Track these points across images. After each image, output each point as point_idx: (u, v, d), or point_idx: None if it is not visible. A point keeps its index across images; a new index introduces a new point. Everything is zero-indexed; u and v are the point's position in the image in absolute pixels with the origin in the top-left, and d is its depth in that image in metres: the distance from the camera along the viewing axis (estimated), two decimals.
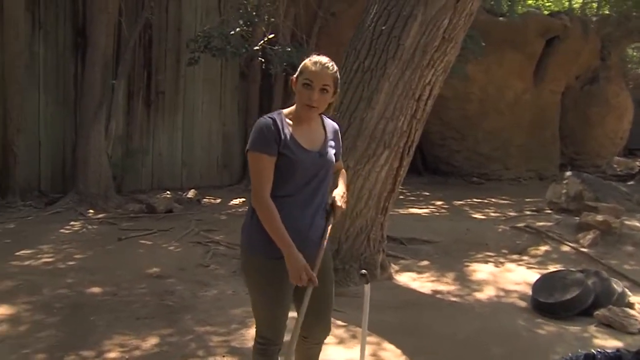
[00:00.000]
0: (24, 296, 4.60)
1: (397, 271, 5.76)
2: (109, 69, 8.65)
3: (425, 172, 12.68)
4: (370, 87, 4.90)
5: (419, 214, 8.71)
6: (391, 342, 3.98)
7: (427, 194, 10.69)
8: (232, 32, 8.09)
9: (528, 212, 8.33)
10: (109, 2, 8.33)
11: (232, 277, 5.24)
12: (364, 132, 4.93)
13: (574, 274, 4.95)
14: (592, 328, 4.38)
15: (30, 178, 8.57)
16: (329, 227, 2.55)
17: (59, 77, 8.77)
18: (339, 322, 4.20)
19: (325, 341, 2.89)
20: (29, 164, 8.50)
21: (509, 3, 12.24)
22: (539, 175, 12.82)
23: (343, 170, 2.87)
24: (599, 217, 6.63)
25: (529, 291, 5.08)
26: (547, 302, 4.69)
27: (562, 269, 5.48)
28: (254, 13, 8.45)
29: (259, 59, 8.66)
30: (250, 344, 2.75)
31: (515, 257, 6.35)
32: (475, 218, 8.41)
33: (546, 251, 6.40)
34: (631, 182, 11.87)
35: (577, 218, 7.05)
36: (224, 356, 3.67)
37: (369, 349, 3.72)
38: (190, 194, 8.99)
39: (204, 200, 9.04)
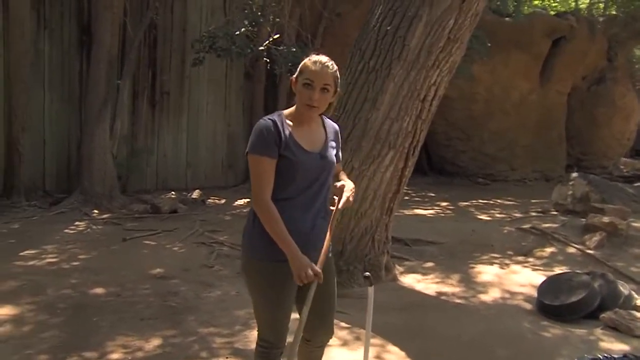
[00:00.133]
0: (28, 296, 4.60)
1: (401, 272, 5.74)
2: (113, 67, 8.65)
3: (430, 172, 12.65)
4: (375, 87, 4.87)
5: (424, 214, 8.68)
6: (395, 344, 3.96)
7: (433, 194, 10.66)
8: (237, 33, 8.08)
9: (534, 214, 8.29)
10: (114, 0, 8.33)
11: (235, 278, 5.22)
12: (368, 133, 4.90)
13: (580, 276, 4.92)
14: (598, 331, 4.34)
15: (35, 177, 8.58)
16: (334, 221, 2.52)
17: (64, 75, 8.78)
18: (343, 324, 4.19)
19: (329, 343, 2.86)
20: (34, 163, 8.52)
21: (515, 3, 12.20)
22: (545, 176, 12.77)
23: (342, 171, 2.83)
24: (605, 219, 6.58)
25: (535, 293, 5.04)
26: (552, 304, 4.66)
27: (568, 271, 5.44)
28: (259, 13, 8.44)
29: (264, 59, 8.65)
30: (254, 345, 2.73)
31: (520, 258, 6.31)
32: (481, 219, 8.37)
33: (552, 253, 6.36)
34: (638, 184, 11.77)
35: (583, 219, 7.01)
36: (227, 358, 3.66)
37: (372, 351, 3.70)
38: (195, 194, 8.98)
39: (209, 200, 9.03)
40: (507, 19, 11.81)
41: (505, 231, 7.28)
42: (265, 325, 2.61)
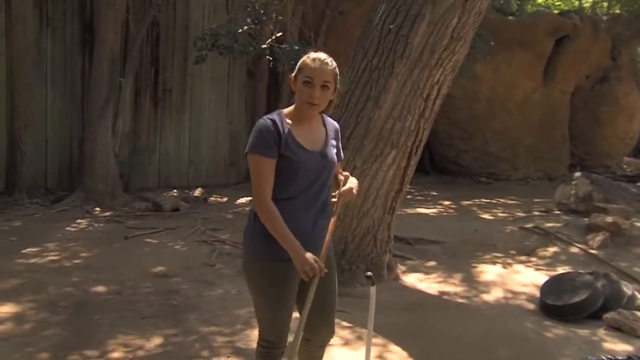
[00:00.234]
0: (29, 294, 4.59)
1: (404, 272, 5.72)
2: (116, 65, 8.64)
3: (432, 171, 12.61)
4: (378, 86, 4.85)
5: (427, 213, 8.65)
6: (397, 344, 3.94)
7: (435, 193, 10.64)
8: (240, 30, 8.06)
9: (537, 213, 8.26)
10: None
11: (237, 277, 5.21)
12: (371, 132, 4.89)
13: (583, 276, 4.89)
14: (602, 331, 4.32)
15: (37, 175, 8.57)
16: (337, 212, 2.50)
17: (66, 73, 8.77)
18: (344, 324, 4.17)
19: (330, 342, 2.86)
20: (36, 161, 8.50)
21: (519, 2, 12.15)
22: (548, 175, 12.73)
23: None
24: (609, 219, 6.56)
25: (537, 293, 5.03)
26: (555, 304, 4.64)
27: (571, 270, 5.42)
28: (262, 11, 8.40)
29: (267, 57, 8.63)
30: (255, 345, 2.72)
31: (523, 258, 6.29)
32: (484, 218, 8.35)
33: (555, 252, 6.34)
34: None
35: (586, 219, 6.99)
36: (228, 357, 3.65)
37: (374, 351, 3.68)
38: (197, 192, 8.97)
39: (211, 198, 9.02)
40: (510, 17, 11.77)
41: (508, 230, 7.26)
42: (266, 325, 2.60)
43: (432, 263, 6.07)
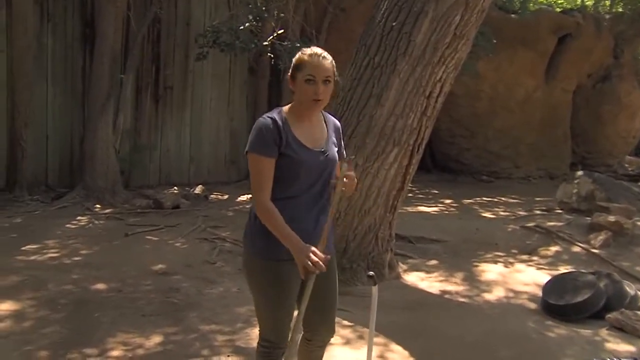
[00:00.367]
0: (29, 292, 4.57)
1: (405, 270, 5.70)
2: (117, 62, 8.62)
3: (434, 169, 12.59)
4: (380, 83, 4.82)
5: (428, 212, 8.63)
6: (398, 343, 3.92)
7: (436, 191, 10.61)
8: (241, 27, 8.04)
9: (538, 212, 8.23)
10: None
11: (237, 275, 5.19)
12: (373, 130, 4.86)
13: (586, 275, 4.87)
14: (604, 332, 4.30)
15: (38, 172, 8.56)
16: (335, 205, 2.45)
17: (67, 70, 8.75)
18: (345, 322, 4.15)
19: (331, 342, 2.84)
20: (37, 158, 8.49)
21: (521, 0, 12.11)
22: (549, 174, 12.71)
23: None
24: (611, 218, 6.53)
25: (539, 292, 5.00)
26: (557, 304, 4.61)
27: (573, 270, 5.40)
28: (264, 8, 8.38)
29: (268, 54, 8.60)
30: (255, 343, 2.70)
31: (525, 257, 6.26)
32: (485, 217, 8.33)
33: (556, 252, 6.32)
34: None
35: (588, 218, 6.96)
36: (228, 356, 3.62)
37: (376, 350, 3.66)
38: (198, 189, 8.95)
39: (211, 196, 9.00)
40: (513, 15, 11.73)
41: (510, 229, 7.23)
42: (266, 324, 2.58)
43: (433, 262, 6.05)
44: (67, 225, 6.81)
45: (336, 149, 2.58)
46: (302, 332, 2.71)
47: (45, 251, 5.75)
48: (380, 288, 2.90)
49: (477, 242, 6.76)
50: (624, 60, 13.52)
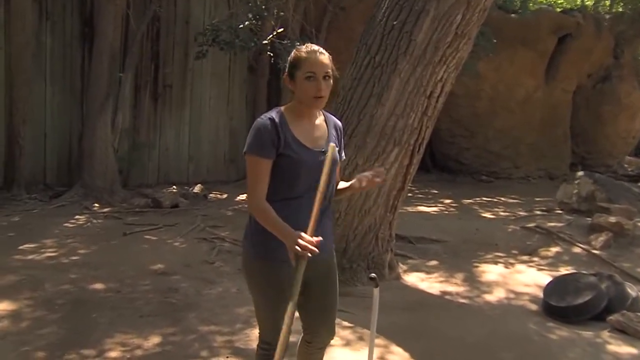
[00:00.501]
0: (26, 291, 4.53)
1: (405, 271, 5.67)
2: (116, 60, 8.58)
3: (433, 169, 12.56)
4: (381, 83, 4.79)
5: (428, 212, 8.60)
6: (399, 344, 3.90)
7: (436, 191, 10.58)
8: (241, 26, 8.00)
9: (538, 212, 8.21)
10: None
11: (236, 275, 5.15)
12: (373, 129, 4.82)
13: (587, 277, 4.84)
14: (606, 333, 4.27)
15: (36, 170, 8.52)
16: (319, 193, 2.33)
17: (65, 68, 8.71)
18: (345, 324, 4.12)
19: (331, 343, 2.81)
20: (35, 156, 8.45)
21: (522, 0, 12.08)
22: (549, 174, 12.68)
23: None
24: (612, 219, 6.51)
25: (540, 293, 4.98)
26: (559, 305, 4.59)
27: (574, 271, 5.37)
28: (263, 7, 8.34)
29: (268, 53, 8.57)
30: (254, 345, 2.67)
31: (525, 258, 6.24)
32: (485, 217, 8.30)
33: (557, 252, 6.29)
34: None
35: (588, 219, 6.94)
36: (227, 357, 3.59)
37: (376, 352, 3.63)
38: (197, 189, 8.91)
39: (210, 195, 8.96)
40: (513, 15, 11.70)
41: (510, 230, 7.21)
42: (266, 326, 2.54)
43: (433, 262, 6.02)
44: (65, 224, 6.77)
45: (337, 148, 2.55)
46: (303, 335, 2.69)
47: (43, 250, 5.71)
48: (380, 289, 2.87)
49: (477, 242, 6.73)
50: (624, 60, 13.50)
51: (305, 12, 9.79)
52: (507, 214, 8.49)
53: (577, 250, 6.28)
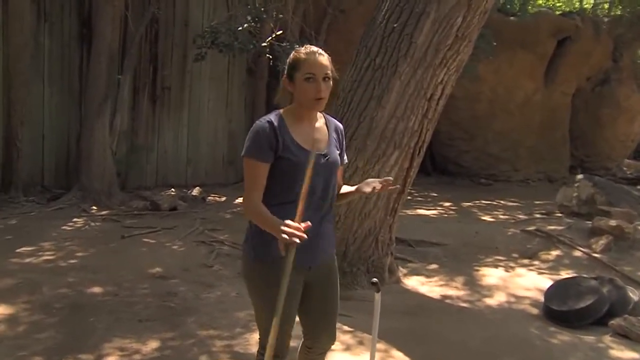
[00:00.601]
0: (24, 295, 4.49)
1: (405, 274, 5.64)
2: (114, 62, 8.53)
3: (433, 172, 12.53)
4: (381, 85, 4.76)
5: (427, 215, 8.57)
6: (400, 349, 3.86)
7: (435, 194, 10.55)
8: (240, 28, 7.97)
9: (538, 215, 8.19)
10: None
11: (236, 279, 5.12)
12: (374, 132, 4.79)
13: (588, 281, 4.81)
14: (608, 338, 4.24)
15: (33, 172, 8.47)
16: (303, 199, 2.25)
17: (64, 69, 8.67)
18: (346, 328, 4.09)
19: (332, 347, 2.76)
20: (32, 158, 8.40)
21: (521, 2, 12.06)
22: (548, 177, 12.66)
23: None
24: (612, 222, 6.48)
25: (541, 297, 4.95)
26: (560, 310, 4.56)
27: (576, 275, 5.34)
28: (262, 9, 8.32)
29: (267, 55, 8.54)
30: (254, 349, 2.65)
31: (525, 261, 6.21)
32: (484, 220, 8.26)
33: (557, 256, 6.26)
34: None
35: (588, 222, 6.91)
36: None
37: (376, 357, 3.59)
38: (195, 191, 8.87)
39: (209, 198, 8.92)
40: (512, 18, 11.69)
41: (510, 233, 7.18)
42: (266, 331, 2.49)
43: (433, 266, 5.99)
44: (63, 227, 6.73)
45: (338, 151, 2.52)
46: (303, 340, 2.65)
47: (40, 253, 5.67)
48: (381, 293, 2.84)
49: (477, 245, 6.70)
50: (623, 63, 13.48)
51: (304, 14, 9.77)
52: (506, 217, 8.46)
53: (577, 253, 6.25)
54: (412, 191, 9.90)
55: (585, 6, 15.68)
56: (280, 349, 2.48)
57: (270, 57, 8.45)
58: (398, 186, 2.40)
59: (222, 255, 5.90)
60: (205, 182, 9.81)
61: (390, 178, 2.51)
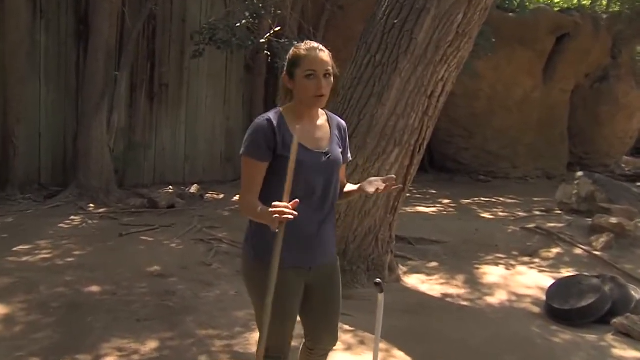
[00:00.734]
0: (20, 294, 4.44)
1: (405, 273, 5.61)
2: (111, 59, 8.47)
3: (431, 169, 12.49)
4: (381, 82, 4.72)
5: (427, 212, 8.54)
6: (400, 348, 3.83)
7: (434, 191, 10.51)
8: (238, 24, 7.91)
9: (537, 213, 8.15)
10: None
11: (235, 277, 5.08)
12: (374, 129, 4.76)
13: (590, 279, 4.79)
14: (610, 337, 4.22)
15: (30, 170, 8.41)
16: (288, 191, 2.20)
17: (60, 66, 8.60)
18: (347, 327, 4.05)
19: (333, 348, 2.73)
20: (29, 156, 8.34)
21: None
22: (546, 174, 12.64)
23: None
24: (613, 220, 6.46)
25: (542, 296, 4.93)
26: (562, 308, 4.53)
27: (577, 273, 5.31)
28: (261, 5, 8.26)
29: (265, 52, 8.49)
30: (254, 349, 2.61)
31: (526, 259, 6.18)
32: (484, 218, 8.23)
33: (558, 254, 6.23)
34: None
35: (588, 219, 6.89)
36: None
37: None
38: (193, 189, 8.82)
39: (207, 195, 8.87)
40: (511, 14, 11.65)
41: (510, 230, 7.15)
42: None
43: (433, 264, 5.96)
44: (60, 225, 6.67)
45: (340, 150, 2.47)
46: (304, 341, 2.62)
47: (37, 252, 5.62)
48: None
49: (477, 243, 6.67)
50: (621, 60, 13.45)
51: (303, 10, 9.72)
52: (506, 214, 8.43)
53: (578, 251, 6.23)
54: (411, 188, 9.83)
55: (584, 3, 15.64)
56: (281, 349, 2.45)
57: (269, 53, 8.41)
58: (401, 185, 2.36)
59: (220, 254, 5.86)
60: (203, 180, 9.76)
61: (394, 176, 2.47)
